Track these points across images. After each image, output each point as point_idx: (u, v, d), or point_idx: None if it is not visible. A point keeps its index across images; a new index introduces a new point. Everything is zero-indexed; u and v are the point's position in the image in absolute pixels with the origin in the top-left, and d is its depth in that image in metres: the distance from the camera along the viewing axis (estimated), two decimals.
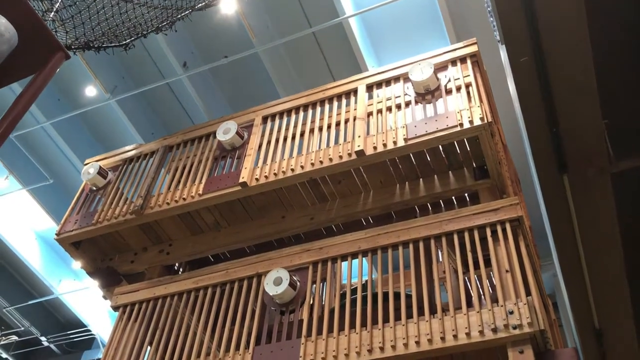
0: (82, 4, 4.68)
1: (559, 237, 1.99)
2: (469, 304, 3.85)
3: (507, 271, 3.90)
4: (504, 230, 4.14)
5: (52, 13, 4.50)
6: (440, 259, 4.62)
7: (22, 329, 14.80)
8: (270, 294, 4.45)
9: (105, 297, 5.93)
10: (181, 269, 5.97)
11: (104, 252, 5.90)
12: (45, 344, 15.33)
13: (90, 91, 10.47)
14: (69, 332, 15.17)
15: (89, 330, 14.80)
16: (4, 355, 14.70)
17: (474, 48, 5.13)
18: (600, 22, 1.80)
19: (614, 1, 1.93)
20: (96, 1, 4.69)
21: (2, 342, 11.05)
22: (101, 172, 5.89)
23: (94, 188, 5.92)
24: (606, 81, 1.68)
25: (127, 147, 6.37)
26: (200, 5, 5.29)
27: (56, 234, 5.65)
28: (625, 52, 1.77)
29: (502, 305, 3.68)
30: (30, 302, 14.29)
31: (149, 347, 4.79)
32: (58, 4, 4.52)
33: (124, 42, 5.30)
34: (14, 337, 13.20)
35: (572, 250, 2.01)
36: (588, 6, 1.59)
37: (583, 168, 1.77)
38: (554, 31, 1.57)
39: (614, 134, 1.80)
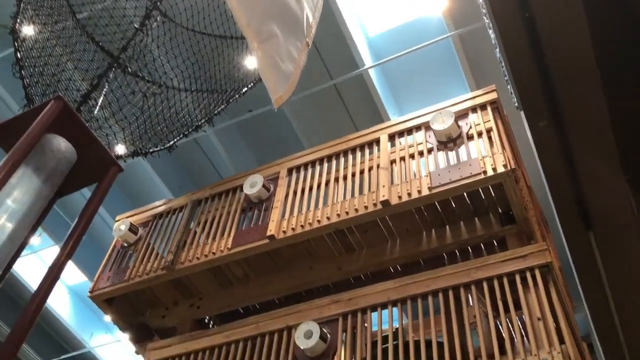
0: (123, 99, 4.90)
1: (588, 291, 2.00)
2: (502, 351, 3.81)
3: (539, 319, 3.86)
4: (533, 277, 4.11)
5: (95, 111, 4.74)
6: (471, 303, 4.59)
7: None
8: (302, 348, 4.45)
9: (137, 352, 5.97)
10: (212, 322, 6.00)
11: (136, 307, 5.97)
12: None
13: (120, 149, 10.73)
14: None
15: None
16: None
17: (493, 95, 5.20)
18: (614, 77, 1.86)
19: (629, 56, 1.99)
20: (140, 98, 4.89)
21: None
22: (132, 229, 6.02)
23: (125, 244, 6.04)
24: (625, 138, 1.72)
25: (157, 203, 6.51)
26: (245, 89, 5.47)
27: (89, 292, 5.75)
28: None
29: (535, 355, 3.64)
30: (63, 357, 14.35)
31: None
32: (98, 107, 4.76)
33: (173, 141, 5.50)
34: None
35: (603, 303, 2.01)
36: (603, 70, 1.65)
37: (607, 225, 1.80)
38: (572, 95, 1.63)
39: (637, 187, 1.83)
